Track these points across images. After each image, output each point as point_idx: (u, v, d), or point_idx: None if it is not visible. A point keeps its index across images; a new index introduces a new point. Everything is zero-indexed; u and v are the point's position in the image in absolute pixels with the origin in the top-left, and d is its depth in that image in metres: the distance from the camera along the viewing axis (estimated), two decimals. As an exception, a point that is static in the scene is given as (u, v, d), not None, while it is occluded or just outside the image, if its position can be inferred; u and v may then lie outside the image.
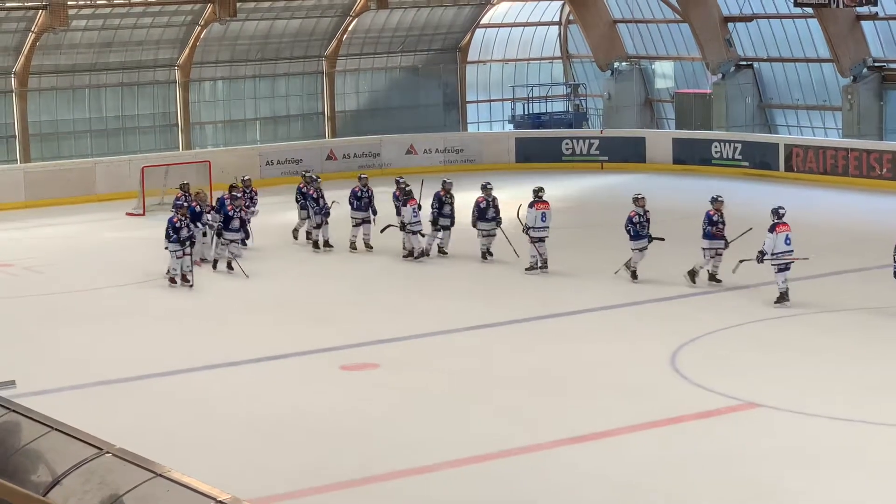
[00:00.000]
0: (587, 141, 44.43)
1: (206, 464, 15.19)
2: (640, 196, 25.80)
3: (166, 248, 26.44)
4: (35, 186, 38.45)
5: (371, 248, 29.46)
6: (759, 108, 45.63)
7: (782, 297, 23.29)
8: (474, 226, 27.84)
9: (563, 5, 50.27)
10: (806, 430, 16.77)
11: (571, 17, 50.26)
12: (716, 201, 25.03)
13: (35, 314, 24.70)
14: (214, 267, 27.93)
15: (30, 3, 39.71)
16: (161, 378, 20.03)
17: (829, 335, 21.38)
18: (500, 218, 27.73)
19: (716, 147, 42.19)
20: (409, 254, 28.47)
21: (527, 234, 26.67)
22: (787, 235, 23.48)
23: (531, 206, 26.72)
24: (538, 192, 26.99)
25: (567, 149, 44.29)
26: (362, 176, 30.49)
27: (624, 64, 48.88)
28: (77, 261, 30.16)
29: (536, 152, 44.32)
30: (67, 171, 39.53)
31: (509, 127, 49.26)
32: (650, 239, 25.49)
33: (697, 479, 15.04)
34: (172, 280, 26.42)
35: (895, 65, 41.91)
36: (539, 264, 26.71)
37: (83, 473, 9.64)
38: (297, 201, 30.79)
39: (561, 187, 37.18)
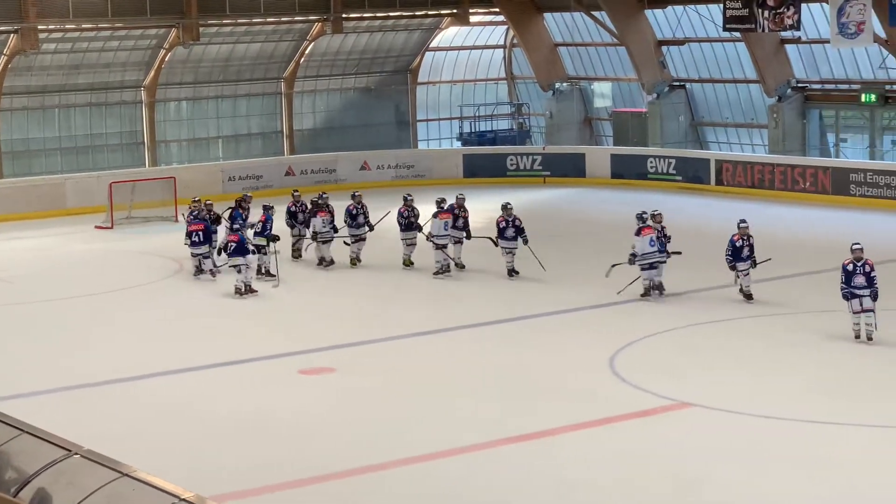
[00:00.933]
0: (530, 157, 44.51)
1: (170, 463, 15.11)
2: (657, 213, 25.19)
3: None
4: (7, 201, 38.09)
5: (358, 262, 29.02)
6: (692, 126, 45.85)
7: (647, 292, 24.44)
8: (496, 244, 26.96)
9: (507, 29, 50.37)
10: (737, 429, 16.82)
11: (515, 41, 50.35)
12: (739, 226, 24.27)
13: (6, 323, 24.50)
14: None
15: (2, 27, 39.42)
16: (129, 383, 19.88)
17: (759, 338, 21.46)
18: (526, 236, 26.68)
19: (651, 162, 42.36)
20: (320, 262, 28.73)
21: (431, 241, 27.38)
22: (651, 238, 24.43)
23: (434, 216, 27.46)
24: (440, 203, 27.92)
25: (512, 164, 44.36)
26: (356, 193, 29.54)
27: (565, 84, 49.00)
28: (48, 272, 29.93)
29: (483, 168, 44.37)
30: (38, 186, 39.20)
31: (457, 144, 49.30)
32: (668, 254, 24.79)
33: (634, 476, 15.06)
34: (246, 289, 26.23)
35: (817, 85, 42.21)
36: (443, 269, 27.45)
37: (52, 474, 9.57)
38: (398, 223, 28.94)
39: (506, 200, 37.18)
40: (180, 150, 45.76)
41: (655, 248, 24.39)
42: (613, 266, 24.97)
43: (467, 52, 51.10)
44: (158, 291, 27.19)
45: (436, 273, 27.39)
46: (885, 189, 35.99)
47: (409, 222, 28.44)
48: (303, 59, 46.89)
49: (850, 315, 20.51)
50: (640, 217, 24.98)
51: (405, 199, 28.53)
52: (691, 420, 17.30)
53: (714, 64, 44.49)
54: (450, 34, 50.05)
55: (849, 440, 16.15)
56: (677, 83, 45.46)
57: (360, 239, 28.87)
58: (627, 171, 42.79)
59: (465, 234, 27.90)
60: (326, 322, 23.90)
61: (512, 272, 26.74)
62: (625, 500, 14.24)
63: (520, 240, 26.74)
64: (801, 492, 14.35)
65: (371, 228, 29.03)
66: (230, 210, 28.84)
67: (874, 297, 20.34)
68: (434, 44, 50.03)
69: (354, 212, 28.84)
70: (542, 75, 49.08)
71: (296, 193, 30.17)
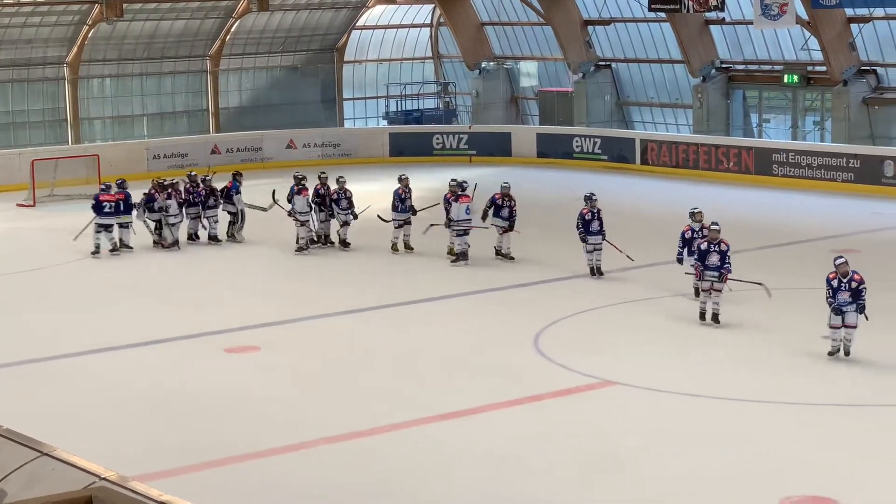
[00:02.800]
0: (457, 136, 44.52)
1: (92, 443, 15.00)
2: (697, 210, 22.94)
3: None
4: (-72, 179, 37.67)
5: (411, 248, 27.68)
6: (617, 106, 46.06)
7: (459, 257, 25.93)
8: (583, 240, 24.53)
9: (434, 8, 50.30)
10: (659, 406, 16.97)
11: (442, 20, 50.31)
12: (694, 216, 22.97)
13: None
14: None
15: (-78, 3, 38.87)
16: (50, 361, 19.71)
17: (681, 317, 21.62)
18: (605, 231, 24.55)
19: (577, 142, 42.52)
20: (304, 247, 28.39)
21: (452, 227, 26.89)
22: (468, 206, 26.02)
23: (456, 199, 26.66)
24: (301, 180, 27.98)
25: (438, 143, 44.36)
26: (403, 176, 28.23)
27: (491, 64, 49.04)
28: (-31, 250, 29.59)
29: (409, 146, 44.32)
30: (-41, 164, 38.78)
31: (384, 123, 49.24)
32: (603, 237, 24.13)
33: (558, 454, 15.14)
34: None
35: (741, 66, 42.55)
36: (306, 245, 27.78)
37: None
38: (315, 203, 28.26)
39: (432, 179, 37.23)
40: (104, 127, 45.33)
41: (470, 216, 25.96)
42: (431, 226, 26.53)
43: (394, 30, 50.99)
44: (81, 269, 26.95)
45: (454, 261, 26.48)
46: (807, 169, 36.36)
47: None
48: (228, 37, 46.58)
49: (828, 328, 18.65)
50: (461, 185, 26.50)
51: (588, 199, 24.93)
52: (615, 398, 17.41)
53: (639, 44, 44.72)
54: (376, 12, 49.92)
55: (770, 416, 16.34)
56: (603, 63, 45.63)
57: (405, 223, 27.53)
58: (553, 150, 42.92)
59: (508, 224, 26.46)
60: (252, 301, 23.81)
61: (596, 271, 24.67)
62: (550, 478, 14.30)
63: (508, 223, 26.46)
64: (724, 467, 14.49)
65: (414, 213, 27.60)
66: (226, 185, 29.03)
67: (860, 310, 18.44)
68: (360, 22, 49.89)
69: (403, 196, 27.49)
70: (469, 54, 49.08)
71: (323, 176, 28.76)
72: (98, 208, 27.80)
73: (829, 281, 18.67)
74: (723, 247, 20.80)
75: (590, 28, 45.43)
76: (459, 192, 26.66)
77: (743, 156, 38.08)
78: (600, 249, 24.48)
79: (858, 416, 16.32)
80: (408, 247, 27.51)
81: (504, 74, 49.33)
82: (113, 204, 27.95)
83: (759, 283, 20.72)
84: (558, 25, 45.07)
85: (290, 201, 28.17)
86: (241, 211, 29.23)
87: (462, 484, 14.32)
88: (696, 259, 21.09)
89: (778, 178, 36.85)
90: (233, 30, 46.40)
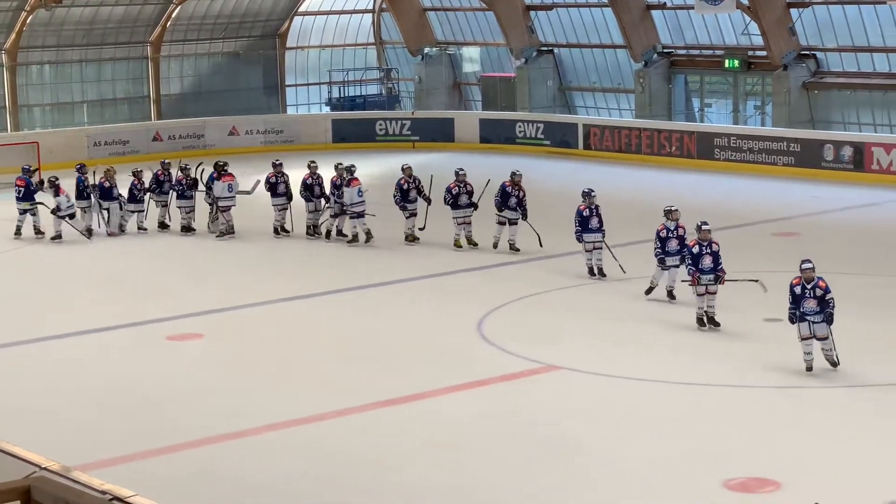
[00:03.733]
0: (399, 122, 44.49)
1: (34, 433, 14.89)
2: (673, 209, 21.63)
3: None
4: None
5: (417, 238, 26.90)
6: (560, 91, 46.15)
7: (368, 236, 26.53)
8: (579, 239, 23.14)
9: (376, -6, 50.23)
10: (603, 391, 17.03)
11: (384, 6, 50.20)
12: (588, 196, 22.84)
13: None
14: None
15: None
16: (-9, 352, 19.57)
17: (624, 301, 21.70)
18: (605, 229, 23.07)
19: (520, 127, 42.56)
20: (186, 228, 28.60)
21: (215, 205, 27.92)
22: (359, 189, 26.41)
23: (347, 184, 26.62)
24: (224, 166, 28.14)
25: (381, 129, 44.29)
26: (405, 167, 27.30)
27: (433, 49, 49.01)
28: None
29: (352, 133, 44.23)
30: None
31: (326, 109, 49.12)
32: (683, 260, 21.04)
33: (504, 438, 15.17)
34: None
35: (682, 51, 42.75)
36: (227, 230, 27.85)
37: None
38: (332, 194, 27.33)
39: (375, 165, 37.22)
40: (43, 114, 44.94)
41: (363, 199, 26.30)
42: (326, 207, 27.37)
43: (336, 16, 50.82)
44: (20, 257, 26.72)
45: (349, 241, 27.03)
46: (748, 153, 36.58)
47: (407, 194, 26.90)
48: (169, 23, 46.27)
49: (799, 342, 17.15)
50: (349, 170, 26.80)
51: (587, 195, 23.61)
52: (560, 383, 17.45)
53: (581, 29, 44.82)
54: (318, -2, 49.81)
55: (712, 399, 16.43)
56: (545, 48, 45.70)
57: (412, 215, 26.75)
58: (496, 135, 42.94)
59: (520, 215, 25.40)
60: (196, 289, 23.70)
61: (596, 271, 23.25)
62: (496, 463, 14.33)
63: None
64: (668, 450, 14.57)
65: (429, 202, 26.75)
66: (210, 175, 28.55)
67: (828, 320, 16.96)
68: (302, 8, 49.70)
69: (406, 187, 26.72)
70: (411, 40, 49.02)
71: (312, 165, 28.28)
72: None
73: (791, 287, 17.18)
74: (714, 247, 19.55)
75: (532, 13, 45.48)
76: (349, 176, 26.81)
77: (685, 140, 38.26)
78: (601, 248, 23.05)
79: (800, 398, 16.45)
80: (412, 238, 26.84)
81: (447, 60, 49.31)
82: (21, 189, 28.33)
83: (755, 280, 19.59)
84: (501, 11, 45.09)
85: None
86: (216, 200, 28.35)
87: (408, 470, 14.32)
88: (689, 264, 19.57)
89: (720, 163, 37.05)
90: (174, 16, 46.09)
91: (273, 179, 28.16)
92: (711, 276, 19.43)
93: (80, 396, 17.21)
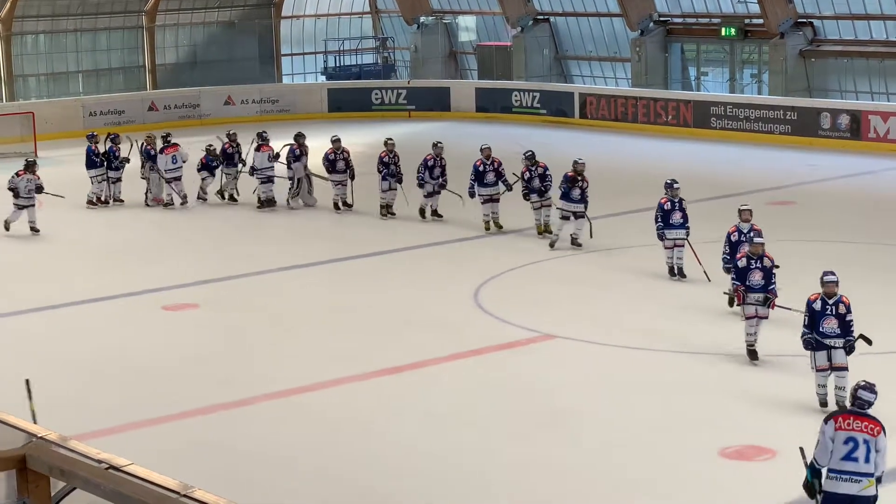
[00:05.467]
0: (395, 91, 44.41)
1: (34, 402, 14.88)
2: (675, 183, 20.88)
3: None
4: None
5: (442, 216, 26.12)
6: (556, 60, 46.07)
7: (264, 204, 27.28)
8: (661, 237, 20.78)
9: (371, -37, 50.08)
10: (599, 359, 17.05)
11: (380, -26, 50.09)
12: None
13: None
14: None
15: None
16: (-13, 322, 19.58)
17: (619, 271, 21.69)
18: (689, 226, 20.82)
19: (516, 96, 42.52)
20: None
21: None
22: (269, 154, 27.29)
23: (257, 149, 27.51)
24: (166, 138, 28.31)
25: (377, 99, 44.23)
26: (438, 143, 26.30)
27: (429, 18, 48.88)
28: None
29: (348, 102, 44.17)
30: None
31: (322, 78, 49.02)
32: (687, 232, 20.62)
33: (502, 407, 15.20)
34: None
35: (679, 19, 42.66)
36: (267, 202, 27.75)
37: None
38: (380, 171, 26.54)
39: (370, 135, 37.13)
40: (38, 84, 44.85)
41: (272, 164, 27.14)
42: (239, 172, 27.88)
43: (331, -15, 50.73)
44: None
45: (259, 206, 27.58)
46: (745, 122, 36.54)
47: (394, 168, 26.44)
48: (164, -8, 46.18)
49: (813, 373, 14.75)
50: (260, 135, 27.56)
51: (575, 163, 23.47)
52: (556, 351, 17.48)
53: (578, -3, 44.73)
54: (314, -33, 49.64)
55: (708, 367, 16.45)
56: (541, 17, 45.60)
57: (434, 193, 25.95)
58: (492, 104, 42.90)
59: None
60: (188, 258, 23.69)
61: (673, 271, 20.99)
62: (492, 432, 14.35)
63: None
64: (665, 419, 14.62)
65: (444, 186, 25.83)
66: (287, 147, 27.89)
67: (849, 350, 14.54)
68: (298, -23, 49.60)
69: (432, 163, 25.74)
70: (407, 9, 48.89)
71: (300, 138, 27.56)
72: None
73: (809, 304, 14.61)
74: (766, 262, 16.44)
75: (528, -18, 45.37)
76: (260, 142, 27.58)
77: (681, 109, 38.21)
78: (682, 246, 20.68)
79: (795, 366, 16.46)
80: (436, 214, 26.15)
81: (442, 29, 49.20)
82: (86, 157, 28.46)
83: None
84: (496, -21, 44.99)
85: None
86: (298, 178, 27.70)
87: (404, 438, 14.34)
88: (733, 277, 16.95)
89: (716, 131, 37.01)
90: (169, -15, 46.01)
91: (297, 152, 27.63)
92: (761, 297, 16.30)
93: (75, 366, 17.22)
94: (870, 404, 10.97)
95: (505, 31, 47.01)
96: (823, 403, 14.65)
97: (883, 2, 37.24)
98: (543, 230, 24.00)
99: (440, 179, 25.81)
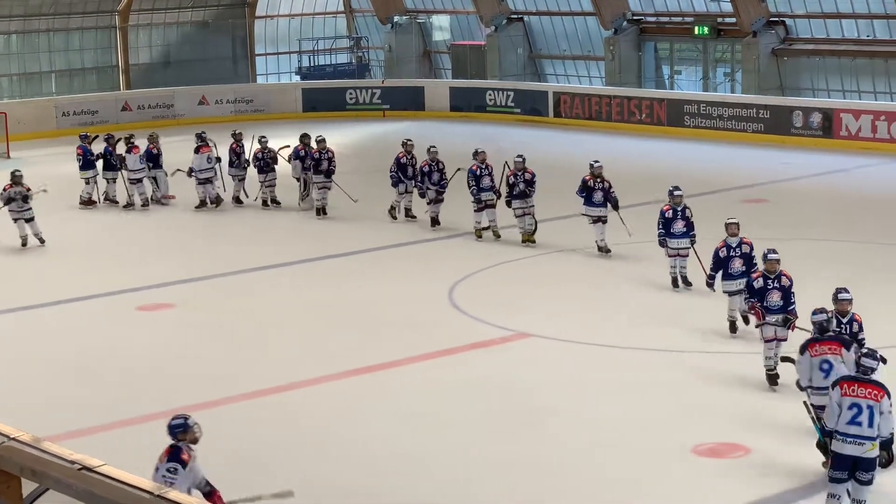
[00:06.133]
0: (370, 91, 44.40)
1: (7, 404, 14.84)
2: (676, 190, 20.09)
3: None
4: None
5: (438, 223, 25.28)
6: (530, 59, 46.10)
7: (202, 204, 27.44)
8: (662, 244, 20.07)
9: (345, -38, 50.02)
10: (574, 357, 17.08)
11: (353, -26, 50.04)
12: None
13: None
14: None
15: None
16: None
17: (591, 269, 21.72)
18: (694, 234, 19.94)
19: (490, 95, 42.54)
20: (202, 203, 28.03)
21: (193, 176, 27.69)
22: (208, 156, 27.25)
23: (196, 151, 27.47)
24: (129, 139, 28.22)
25: (351, 98, 44.20)
26: (407, 142, 25.73)
27: (403, 18, 48.85)
28: None
29: (322, 102, 44.12)
30: None
31: (296, 78, 48.96)
32: (693, 241, 19.79)
33: (478, 406, 15.21)
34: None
35: (652, 18, 42.73)
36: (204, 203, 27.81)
37: None
38: (391, 172, 25.67)
39: (345, 135, 37.15)
40: (11, 84, 44.68)
41: (212, 165, 27.33)
42: (178, 171, 27.69)
43: (305, -16, 50.67)
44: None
45: (197, 207, 27.70)
46: (718, 120, 36.64)
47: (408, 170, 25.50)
48: (137, -8, 46.04)
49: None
50: (200, 136, 27.60)
51: (404, 144, 24.90)
52: (530, 350, 17.50)
53: (551, -3, 44.77)
54: (287, -33, 49.56)
55: (680, 365, 16.49)
56: (515, 16, 45.61)
57: (437, 200, 25.05)
58: (466, 103, 42.92)
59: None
60: (163, 259, 23.63)
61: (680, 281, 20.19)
62: (470, 429, 14.37)
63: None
64: (639, 416, 14.67)
65: (443, 188, 24.97)
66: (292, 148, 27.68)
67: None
68: (271, -24, 49.51)
69: (427, 169, 24.94)
70: (381, 8, 48.84)
71: (318, 139, 26.91)
72: None
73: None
74: (784, 281, 15.33)
75: (502, -19, 45.38)
76: (199, 143, 27.58)
77: (655, 107, 38.28)
78: (686, 255, 19.88)
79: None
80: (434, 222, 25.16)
81: (416, 28, 49.18)
82: (80, 157, 28.36)
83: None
84: (470, -22, 44.99)
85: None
86: (304, 180, 27.35)
87: (382, 437, 14.34)
88: (748, 297, 15.77)
89: (690, 130, 37.10)
90: (142, -15, 45.86)
91: (302, 153, 27.28)
92: (780, 317, 15.28)
93: (48, 367, 17.16)
94: (873, 370, 11.66)
95: (479, 30, 47.03)
96: (771, 370, 15.27)
97: (854, 1, 37.39)
98: (528, 238, 23.38)
99: (413, 181, 25.46)
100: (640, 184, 27.28)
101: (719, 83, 42.22)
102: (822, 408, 12.19)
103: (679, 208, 19.80)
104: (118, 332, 18.91)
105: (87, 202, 28.37)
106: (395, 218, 25.99)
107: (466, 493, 12.89)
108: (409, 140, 26.02)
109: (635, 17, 42.58)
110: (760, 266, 16.12)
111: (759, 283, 15.39)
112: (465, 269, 21.86)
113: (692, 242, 19.75)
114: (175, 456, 10.79)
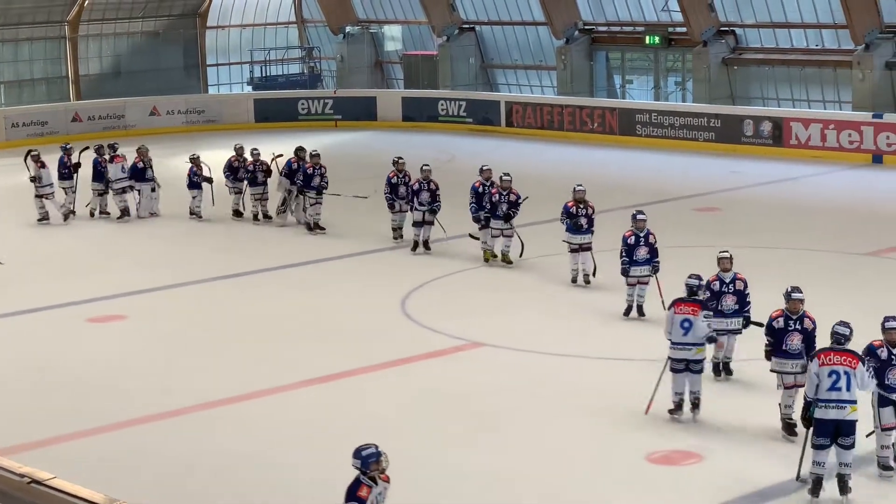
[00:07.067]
0: (322, 101, 44.33)
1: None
2: (639, 214, 19.03)
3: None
4: None
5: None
6: (482, 69, 46.17)
7: (123, 214, 27.69)
8: (625, 273, 19.02)
9: (296, -28, 49.94)
10: (526, 367, 17.09)
11: (305, -16, 49.96)
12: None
13: None
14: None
15: None
16: None
17: (544, 278, 21.73)
18: (658, 261, 18.94)
19: (442, 105, 42.55)
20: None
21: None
22: (122, 165, 27.51)
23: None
24: (113, 145, 28.36)
25: (303, 108, 44.12)
26: (399, 160, 24.79)
27: (355, 28, 48.83)
28: None
29: (274, 112, 44.02)
30: None
31: (248, 89, 48.84)
32: (655, 269, 18.83)
33: (430, 415, 15.20)
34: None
35: (603, 28, 42.87)
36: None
37: None
38: (386, 193, 24.64)
39: (298, 145, 37.01)
40: (-40, 95, 44.39)
41: (126, 175, 27.51)
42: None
43: (256, -5, 50.54)
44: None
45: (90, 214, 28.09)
46: (669, 129, 36.79)
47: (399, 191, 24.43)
48: (87, 2, 45.72)
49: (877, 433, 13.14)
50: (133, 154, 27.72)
51: (395, 163, 24.31)
52: (483, 359, 17.50)
53: (503, 6, 44.82)
54: (239, -23, 49.43)
55: (634, 373, 16.52)
56: (467, 26, 45.68)
57: (426, 223, 23.95)
58: (418, 114, 42.92)
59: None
60: (114, 270, 23.49)
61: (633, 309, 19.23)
62: (424, 439, 14.34)
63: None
64: (592, 425, 14.69)
65: (434, 211, 23.84)
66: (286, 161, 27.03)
67: (745, 323, 15.81)
68: (222, -13, 49.35)
69: (417, 188, 23.83)
70: (333, 19, 48.81)
71: (314, 154, 26.16)
72: None
73: (709, 284, 15.62)
74: (808, 324, 14.07)
75: (453, -9, 45.42)
76: (112, 154, 27.76)
77: (607, 116, 38.41)
78: (646, 283, 18.89)
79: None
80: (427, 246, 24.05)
81: (368, 38, 49.17)
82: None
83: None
84: (422, -11, 44.99)
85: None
86: (289, 191, 26.83)
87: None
88: (767, 333, 14.28)
89: (641, 139, 37.24)
90: (91, -5, 45.61)
91: (295, 166, 26.44)
92: (800, 364, 13.86)
93: (1, 380, 17.01)
94: (846, 337, 12.59)
95: (431, 40, 47.07)
96: (788, 419, 14.08)
97: (803, 10, 37.66)
98: (493, 257, 22.70)
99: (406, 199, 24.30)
100: (592, 193, 27.30)
101: (670, 92, 42.42)
102: (679, 360, 14.56)
103: (642, 234, 18.75)
104: (69, 344, 18.77)
105: (68, 215, 28.00)
106: (400, 237, 24.68)
107: (420, 502, 12.85)
108: (401, 158, 24.87)
109: (587, 27, 42.73)
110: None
111: (779, 325, 14.08)
112: (418, 279, 21.83)
113: (655, 270, 18.77)
114: (352, 494, 10.03)
